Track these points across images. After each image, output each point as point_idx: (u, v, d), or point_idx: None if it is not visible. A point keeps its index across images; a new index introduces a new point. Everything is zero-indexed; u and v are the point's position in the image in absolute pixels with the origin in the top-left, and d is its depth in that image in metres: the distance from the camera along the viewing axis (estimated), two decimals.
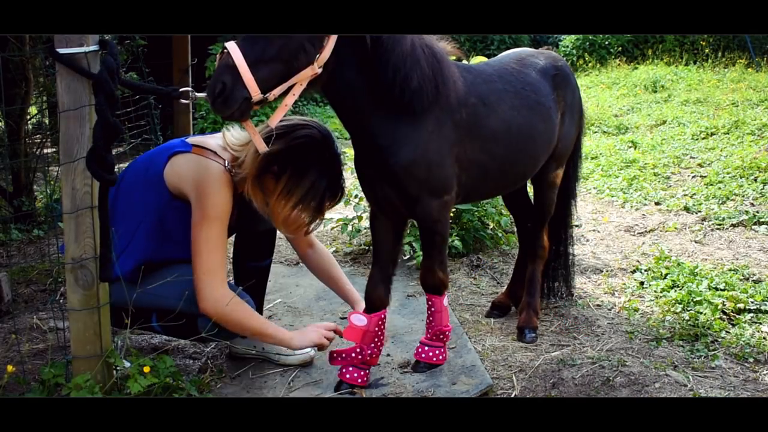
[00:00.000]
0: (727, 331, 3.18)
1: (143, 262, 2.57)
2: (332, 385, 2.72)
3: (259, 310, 3.02)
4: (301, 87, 2.28)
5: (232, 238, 3.00)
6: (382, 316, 2.72)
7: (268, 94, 2.20)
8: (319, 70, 2.28)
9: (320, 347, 2.79)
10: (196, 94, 2.55)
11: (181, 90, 2.51)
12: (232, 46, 2.17)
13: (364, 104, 2.46)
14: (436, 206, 2.61)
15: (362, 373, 2.68)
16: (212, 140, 2.71)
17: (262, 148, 2.36)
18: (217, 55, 2.25)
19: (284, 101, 2.29)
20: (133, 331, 2.49)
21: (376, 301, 2.71)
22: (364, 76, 2.41)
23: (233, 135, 2.69)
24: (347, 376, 2.68)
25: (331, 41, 2.27)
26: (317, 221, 2.76)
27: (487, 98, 2.73)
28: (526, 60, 3.05)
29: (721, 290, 3.56)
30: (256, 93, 2.17)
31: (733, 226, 4.83)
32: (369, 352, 2.68)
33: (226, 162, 2.62)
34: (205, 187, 2.53)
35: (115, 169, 2.15)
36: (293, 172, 2.58)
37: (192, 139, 2.71)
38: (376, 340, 2.70)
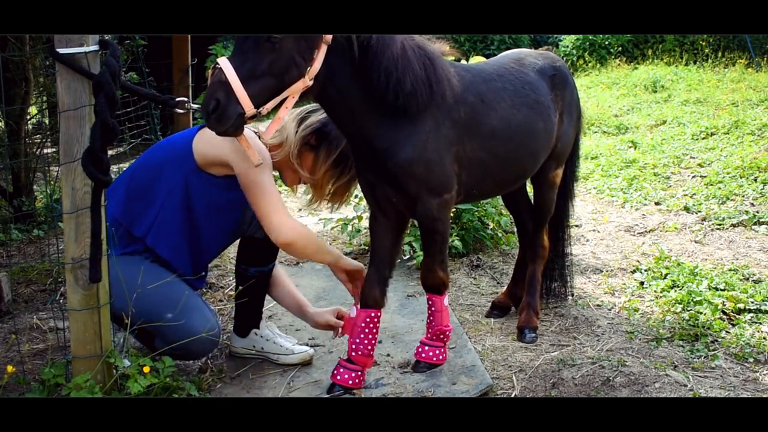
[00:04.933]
0: (727, 331, 3.18)
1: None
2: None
3: (260, 311, 3.02)
4: (293, 99, 2.31)
5: (235, 244, 3.00)
6: (372, 314, 2.69)
7: (261, 109, 2.24)
8: (311, 83, 2.31)
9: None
10: (192, 105, 2.58)
11: (177, 100, 2.54)
12: (224, 62, 2.20)
13: (359, 110, 2.47)
14: (436, 205, 2.61)
15: (354, 374, 2.66)
16: None
17: (256, 160, 2.42)
18: (209, 71, 2.28)
19: (277, 114, 2.33)
20: (133, 331, 2.49)
21: (370, 302, 2.70)
22: (357, 83, 2.42)
23: (266, 125, 2.82)
24: (338, 377, 2.67)
25: (321, 53, 2.30)
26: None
27: (486, 96, 2.73)
28: (524, 60, 3.06)
29: (721, 290, 3.56)
30: (249, 108, 2.20)
31: (733, 226, 4.83)
32: (354, 346, 2.67)
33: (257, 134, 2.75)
34: (244, 144, 2.55)
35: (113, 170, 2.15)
36: (329, 145, 2.79)
37: None
38: (362, 336, 2.68)
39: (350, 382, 2.66)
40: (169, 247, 2.66)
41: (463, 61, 3.52)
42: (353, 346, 2.68)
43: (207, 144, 2.64)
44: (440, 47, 2.65)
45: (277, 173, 2.92)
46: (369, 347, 2.68)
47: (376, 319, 2.71)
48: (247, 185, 2.61)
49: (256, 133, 2.74)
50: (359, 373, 2.68)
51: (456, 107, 2.60)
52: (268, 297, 3.08)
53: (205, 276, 2.98)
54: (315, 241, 2.72)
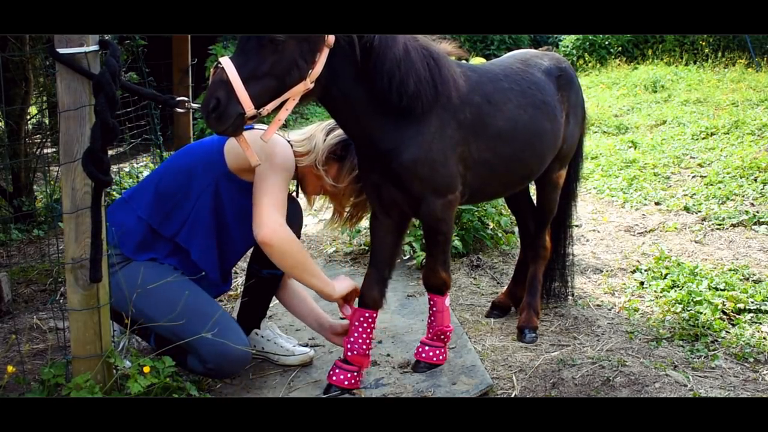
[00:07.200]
0: (727, 331, 3.18)
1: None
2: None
3: (264, 312, 3.02)
4: (294, 102, 2.32)
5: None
6: (366, 314, 2.69)
7: (261, 110, 2.24)
8: (312, 85, 2.31)
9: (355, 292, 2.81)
10: (193, 104, 2.58)
11: (177, 99, 2.53)
12: (226, 62, 2.21)
13: (363, 112, 2.46)
14: (440, 205, 2.61)
15: (350, 375, 2.66)
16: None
17: (255, 161, 2.40)
18: (211, 70, 2.28)
19: (277, 116, 2.33)
20: (134, 331, 2.49)
21: (369, 302, 2.70)
22: (360, 85, 2.42)
23: (295, 133, 2.84)
24: (335, 378, 2.67)
25: (323, 56, 2.30)
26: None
27: (492, 97, 2.73)
28: (530, 60, 3.06)
29: (721, 290, 3.56)
30: (249, 108, 2.20)
31: (733, 226, 4.83)
32: (348, 345, 2.68)
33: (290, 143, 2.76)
34: (272, 148, 2.58)
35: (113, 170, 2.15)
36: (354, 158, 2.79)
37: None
38: (356, 335, 2.68)
39: (346, 382, 2.65)
40: (199, 250, 2.64)
41: (464, 61, 3.52)
42: (348, 346, 2.68)
43: (239, 148, 2.57)
44: (445, 47, 2.64)
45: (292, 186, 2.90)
46: (364, 347, 2.68)
47: (371, 320, 2.70)
48: (259, 180, 2.56)
49: (289, 142, 2.76)
50: (356, 373, 2.67)
51: (461, 108, 2.60)
52: (275, 301, 3.07)
53: (231, 279, 2.94)
54: (300, 257, 2.57)
